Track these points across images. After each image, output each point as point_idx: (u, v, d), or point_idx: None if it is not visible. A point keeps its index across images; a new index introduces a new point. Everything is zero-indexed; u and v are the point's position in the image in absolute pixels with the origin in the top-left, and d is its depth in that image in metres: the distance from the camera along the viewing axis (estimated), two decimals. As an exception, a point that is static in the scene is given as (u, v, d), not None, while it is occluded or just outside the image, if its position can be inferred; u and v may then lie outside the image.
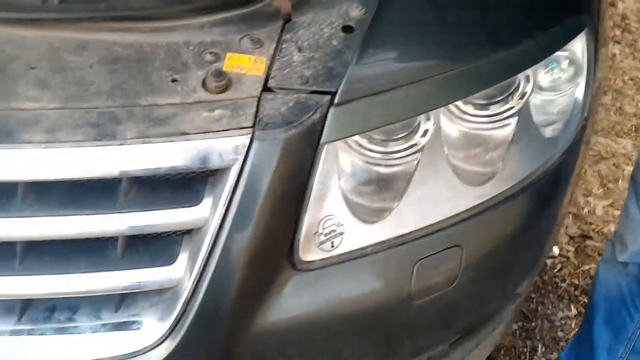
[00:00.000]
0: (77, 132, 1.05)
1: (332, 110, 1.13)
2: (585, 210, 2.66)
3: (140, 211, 1.08)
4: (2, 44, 1.12)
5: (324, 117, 1.12)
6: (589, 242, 2.56)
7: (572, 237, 2.59)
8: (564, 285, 2.43)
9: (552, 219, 1.44)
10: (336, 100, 1.13)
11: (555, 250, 2.52)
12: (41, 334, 1.12)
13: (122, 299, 1.14)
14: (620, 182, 2.73)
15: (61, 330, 1.12)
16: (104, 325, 1.13)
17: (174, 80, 1.12)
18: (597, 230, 2.59)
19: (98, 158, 1.05)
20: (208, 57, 1.16)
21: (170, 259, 1.12)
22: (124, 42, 1.15)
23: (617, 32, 3.19)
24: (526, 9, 1.32)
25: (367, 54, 1.17)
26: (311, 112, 1.11)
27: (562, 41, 1.32)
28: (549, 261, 2.50)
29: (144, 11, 1.18)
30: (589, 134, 1.55)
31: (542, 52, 1.29)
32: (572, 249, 2.56)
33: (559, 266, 2.49)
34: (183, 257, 1.12)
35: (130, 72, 1.12)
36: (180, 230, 1.12)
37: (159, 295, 1.14)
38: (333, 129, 1.13)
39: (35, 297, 1.12)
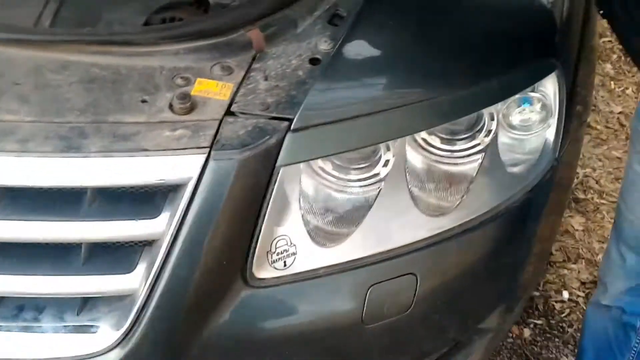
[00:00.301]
0: (46, 143, 1.14)
1: (288, 136, 1.19)
2: (600, 256, 2.63)
3: (102, 221, 1.16)
4: (-8, 62, 1.23)
5: (280, 142, 1.18)
6: (600, 289, 2.53)
7: (583, 283, 2.57)
8: (570, 330, 2.40)
9: (520, 255, 1.46)
10: (293, 126, 1.19)
11: (565, 294, 2.50)
12: (8, 331, 1.20)
13: (84, 303, 1.22)
14: (636, 230, 2.70)
15: (26, 329, 1.20)
16: (65, 327, 1.20)
17: (143, 101, 1.21)
18: (609, 277, 2.56)
19: (64, 169, 1.14)
20: (179, 81, 1.24)
21: (129, 268, 1.19)
22: (103, 64, 1.24)
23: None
24: (491, 48, 1.36)
25: (326, 84, 1.24)
26: (267, 137, 1.17)
27: (527, 82, 1.36)
28: (557, 305, 2.48)
29: (124, 36, 1.27)
30: (567, 173, 1.57)
31: (504, 92, 1.33)
32: (582, 294, 2.53)
33: (567, 311, 2.46)
34: (141, 267, 1.18)
35: (105, 91, 1.21)
36: (141, 241, 1.20)
37: (118, 302, 1.21)
38: (289, 153, 1.19)
39: (2, 295, 1.21)
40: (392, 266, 1.29)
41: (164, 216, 1.16)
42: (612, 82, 3.34)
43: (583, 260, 2.60)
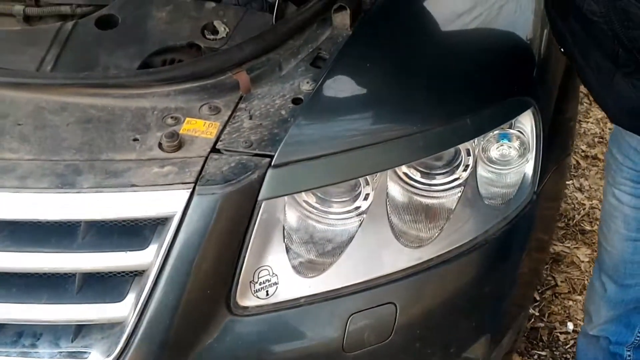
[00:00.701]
0: (43, 180, 1.23)
1: (269, 171, 1.26)
2: (605, 288, 2.65)
3: (95, 252, 1.24)
4: (-3, 104, 1.33)
5: (262, 177, 1.25)
6: (605, 320, 2.53)
7: (589, 315, 2.58)
8: (574, 361, 2.42)
9: (501, 285, 1.50)
10: (273, 162, 1.26)
11: (570, 326, 2.52)
12: (7, 356, 1.28)
13: (78, 330, 1.29)
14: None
15: (24, 354, 1.27)
16: (60, 352, 1.27)
17: (135, 140, 1.29)
18: (615, 308, 2.56)
19: (59, 204, 1.23)
20: (169, 120, 1.32)
21: (120, 297, 1.26)
22: (99, 105, 1.34)
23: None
24: (466, 86, 1.42)
25: (306, 122, 1.31)
26: (249, 172, 1.25)
27: (501, 119, 1.42)
28: (562, 337, 2.49)
29: (119, 80, 1.36)
30: (550, 205, 1.62)
31: (479, 128, 1.39)
32: (587, 326, 2.54)
33: (571, 342, 2.47)
34: (131, 296, 1.25)
35: (99, 131, 1.30)
36: (131, 271, 1.27)
37: (110, 329, 1.28)
38: (270, 187, 1.26)
39: (3, 322, 1.28)
40: (372, 295, 1.34)
41: (152, 248, 1.24)
42: (620, 115, 3.37)
43: (589, 292, 2.61)
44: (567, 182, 3.02)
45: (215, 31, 1.53)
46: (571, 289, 2.63)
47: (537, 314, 2.51)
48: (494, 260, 1.46)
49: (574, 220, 2.86)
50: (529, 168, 1.49)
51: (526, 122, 1.47)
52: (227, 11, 1.57)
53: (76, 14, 1.67)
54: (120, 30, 1.52)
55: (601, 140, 3.25)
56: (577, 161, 3.13)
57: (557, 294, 2.61)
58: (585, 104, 3.28)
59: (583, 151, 3.18)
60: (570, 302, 2.59)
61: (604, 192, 1.57)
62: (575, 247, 2.78)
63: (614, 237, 1.54)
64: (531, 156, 1.48)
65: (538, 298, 2.55)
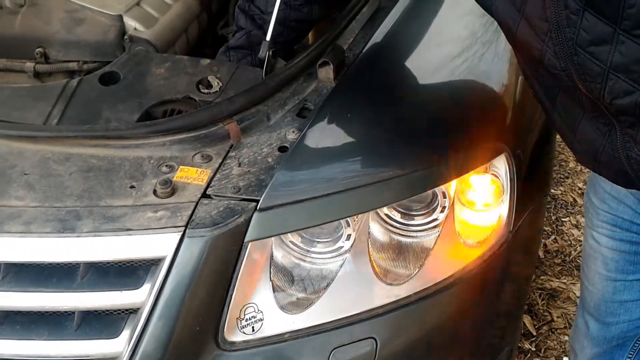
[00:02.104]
0: (47, 225, 1.33)
1: (255, 215, 1.36)
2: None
3: (92, 292, 1.34)
4: (5, 155, 1.45)
5: (248, 220, 1.35)
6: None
7: (584, 350, 2.62)
8: (565, 399, 2.46)
9: (479, 321, 1.58)
10: (259, 206, 1.36)
11: (565, 360, 2.57)
12: (7, 391, 1.38)
13: (77, 365, 1.38)
14: None
15: (22, 391, 1.37)
16: (57, 389, 1.37)
17: (131, 187, 1.40)
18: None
19: (60, 247, 1.33)
20: (164, 168, 1.43)
21: (115, 333, 1.35)
22: (100, 156, 1.45)
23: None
24: (441, 133, 1.52)
25: (290, 168, 1.41)
26: (236, 216, 1.35)
27: (475, 164, 1.51)
28: (554, 373, 2.55)
29: (119, 132, 1.48)
30: (528, 242, 1.70)
31: (454, 173, 1.48)
32: (583, 361, 2.58)
33: (564, 378, 2.52)
34: (126, 333, 1.35)
35: (99, 179, 1.41)
36: (126, 309, 1.36)
37: (106, 364, 1.37)
38: (256, 230, 1.36)
39: (7, 358, 1.38)
40: (354, 331, 1.42)
41: (146, 287, 1.33)
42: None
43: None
44: (564, 219, 3.09)
45: (209, 85, 1.64)
46: (567, 325, 2.67)
47: (533, 349, 2.56)
48: (471, 297, 1.53)
49: (571, 257, 2.91)
50: (504, 209, 1.57)
51: (500, 166, 1.56)
52: (221, 67, 1.69)
53: (83, 70, 1.81)
54: (122, 86, 1.64)
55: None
56: (574, 198, 3.19)
57: (553, 329, 2.66)
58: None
59: (580, 189, 3.24)
60: (566, 337, 2.63)
61: (584, 234, 1.62)
62: (571, 283, 2.83)
63: (594, 277, 1.58)
64: (506, 197, 1.57)
65: (535, 333, 2.61)
